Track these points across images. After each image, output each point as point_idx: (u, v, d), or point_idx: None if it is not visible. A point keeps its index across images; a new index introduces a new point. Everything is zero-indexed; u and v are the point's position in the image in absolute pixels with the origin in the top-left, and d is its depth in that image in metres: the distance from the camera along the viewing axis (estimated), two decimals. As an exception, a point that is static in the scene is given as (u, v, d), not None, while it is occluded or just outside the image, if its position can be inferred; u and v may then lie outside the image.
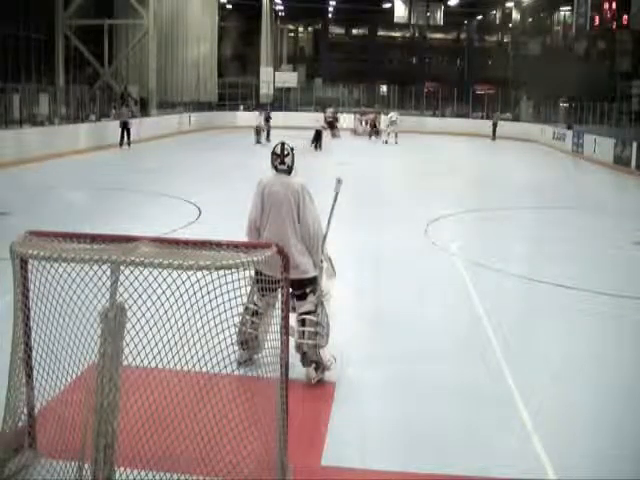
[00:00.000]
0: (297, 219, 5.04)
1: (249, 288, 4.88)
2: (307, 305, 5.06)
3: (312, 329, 5.05)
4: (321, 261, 5.20)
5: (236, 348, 4.83)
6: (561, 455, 4.16)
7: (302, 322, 5.07)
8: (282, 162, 5.17)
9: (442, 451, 4.22)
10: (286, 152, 5.18)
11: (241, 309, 4.79)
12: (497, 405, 4.87)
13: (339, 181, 5.40)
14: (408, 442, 4.34)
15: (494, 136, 34.25)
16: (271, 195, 5.07)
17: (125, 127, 23.64)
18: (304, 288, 5.02)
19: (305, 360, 5.05)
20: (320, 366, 5.07)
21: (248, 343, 5.11)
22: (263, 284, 4.03)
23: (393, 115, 30.75)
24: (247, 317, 5.10)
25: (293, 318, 4.80)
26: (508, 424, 4.59)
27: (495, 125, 34.83)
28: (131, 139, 23.83)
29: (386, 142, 29.46)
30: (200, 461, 3.44)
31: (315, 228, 5.09)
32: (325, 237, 5.24)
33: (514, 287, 8.15)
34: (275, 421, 3.49)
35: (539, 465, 4.06)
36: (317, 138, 25.87)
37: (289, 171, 5.19)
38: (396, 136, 29.54)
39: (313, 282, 5.11)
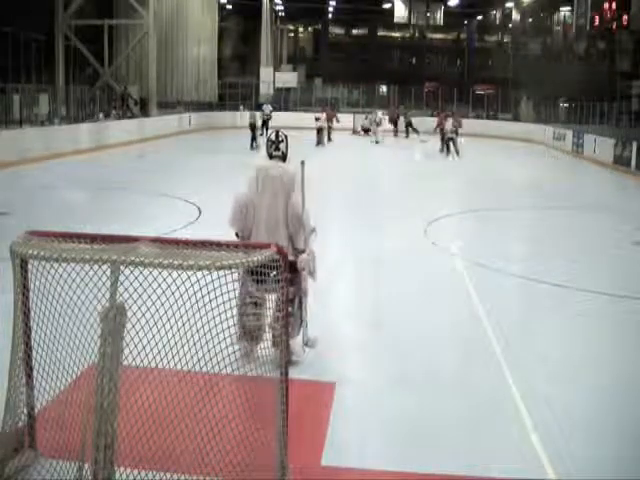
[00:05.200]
0: (288, 202, 5.25)
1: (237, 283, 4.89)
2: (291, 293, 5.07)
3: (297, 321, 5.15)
4: (303, 251, 5.27)
5: (236, 347, 4.83)
6: (561, 455, 4.16)
7: (278, 308, 5.11)
8: (277, 148, 5.45)
9: (442, 451, 4.22)
10: (280, 138, 5.48)
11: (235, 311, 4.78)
12: (497, 405, 4.87)
13: (302, 163, 5.49)
14: (408, 442, 4.34)
15: (407, 133, 32.43)
16: (268, 178, 5.30)
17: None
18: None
19: (275, 342, 5.05)
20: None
21: (252, 334, 5.14)
22: (257, 272, 4.02)
23: (378, 115, 30.49)
24: (248, 309, 5.11)
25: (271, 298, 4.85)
26: (508, 424, 4.59)
27: (410, 124, 32.89)
28: None
29: (377, 142, 29.38)
30: (200, 461, 3.43)
31: (303, 214, 5.24)
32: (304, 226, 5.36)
33: (514, 287, 8.15)
34: (275, 421, 3.49)
35: (539, 465, 4.06)
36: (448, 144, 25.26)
37: (284, 157, 5.44)
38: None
39: (294, 271, 5.13)
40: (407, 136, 32.77)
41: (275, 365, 3.60)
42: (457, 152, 24.20)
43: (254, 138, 24.99)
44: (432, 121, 27.82)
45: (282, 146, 5.46)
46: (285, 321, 3.57)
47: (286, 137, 5.52)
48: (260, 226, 5.30)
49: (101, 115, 25.69)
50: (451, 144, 24.25)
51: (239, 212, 5.32)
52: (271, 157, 5.47)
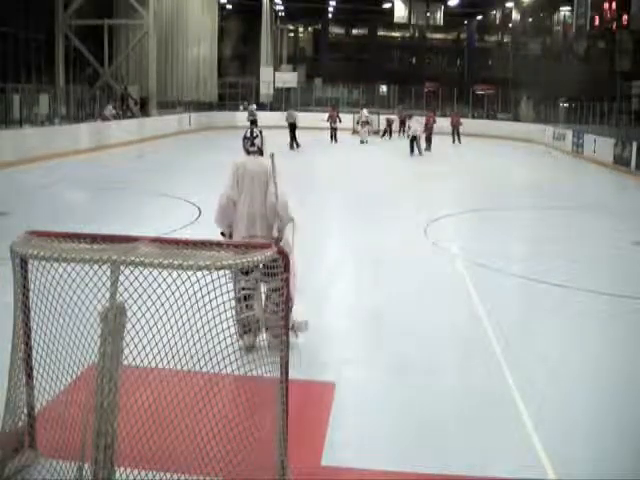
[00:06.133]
0: (266, 194, 5.50)
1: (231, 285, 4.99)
2: (274, 282, 5.15)
3: (275, 307, 5.25)
4: (279, 240, 5.43)
5: (237, 347, 4.84)
6: (561, 455, 4.16)
7: (267, 297, 5.44)
8: (252, 144, 5.71)
9: (442, 451, 4.22)
10: (255, 134, 5.76)
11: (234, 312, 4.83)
12: (497, 405, 4.87)
13: (272, 155, 5.65)
14: (408, 442, 4.34)
15: (386, 134, 32.19)
16: (247, 173, 5.56)
17: None
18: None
19: (273, 333, 5.14)
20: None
21: (250, 327, 5.28)
22: None
23: (364, 114, 30.07)
24: (242, 304, 5.27)
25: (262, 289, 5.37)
26: (508, 424, 4.59)
27: (403, 123, 32.16)
28: None
29: (363, 142, 29.12)
30: (200, 461, 3.43)
31: (275, 203, 5.44)
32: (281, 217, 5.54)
33: (514, 287, 8.15)
34: (275, 421, 3.48)
35: (539, 465, 4.06)
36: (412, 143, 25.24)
37: (260, 152, 5.70)
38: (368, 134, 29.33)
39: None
40: (382, 136, 32.50)
41: (276, 354, 3.57)
42: (419, 151, 24.88)
43: (294, 138, 25.70)
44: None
45: (257, 141, 5.73)
46: (286, 321, 3.57)
47: (260, 132, 5.83)
48: (240, 219, 5.53)
49: (110, 107, 25.84)
50: (414, 143, 24.87)
51: (222, 211, 5.58)
52: (248, 153, 5.73)
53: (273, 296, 5.33)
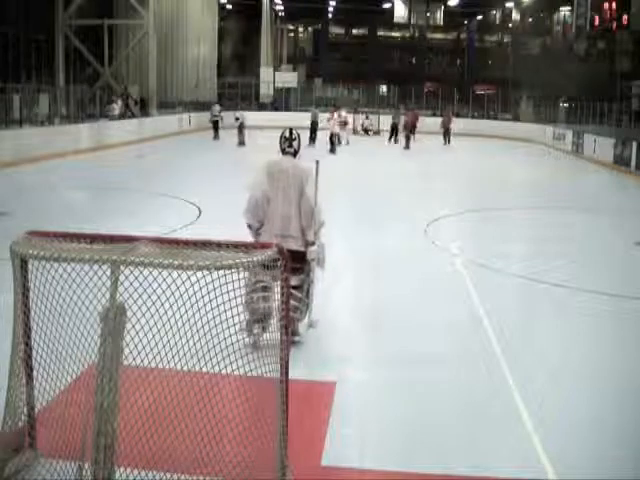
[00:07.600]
0: (300, 196, 5.51)
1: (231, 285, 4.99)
2: (294, 280, 5.20)
3: (295, 303, 5.31)
4: (313, 243, 5.53)
5: (236, 346, 4.83)
6: (561, 455, 4.16)
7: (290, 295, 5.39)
8: (290, 145, 5.74)
9: (442, 451, 4.22)
10: (294, 136, 5.77)
11: (241, 308, 4.80)
12: (497, 405, 4.87)
13: (317, 162, 5.66)
14: (408, 442, 4.34)
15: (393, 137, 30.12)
16: (281, 172, 5.57)
17: None
18: (296, 262, 5.11)
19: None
20: (294, 334, 5.43)
21: (265, 318, 5.32)
22: None
23: (343, 114, 28.93)
24: (258, 294, 5.28)
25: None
26: (508, 424, 4.59)
27: (396, 125, 30.12)
28: None
29: (348, 143, 28.11)
30: (200, 461, 3.43)
31: (313, 206, 5.51)
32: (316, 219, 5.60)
33: (514, 287, 8.15)
34: (275, 421, 3.48)
35: (539, 465, 4.06)
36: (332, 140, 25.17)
37: (294, 154, 5.74)
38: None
39: (304, 261, 5.47)
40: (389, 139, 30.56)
41: (276, 354, 3.57)
42: (334, 149, 24.89)
43: (313, 139, 26.43)
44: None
45: (295, 143, 5.77)
46: (287, 321, 3.57)
47: (299, 135, 5.85)
48: (274, 218, 5.52)
49: (114, 105, 26.09)
50: (335, 140, 25.36)
51: (254, 205, 5.55)
52: (283, 152, 5.76)
53: (294, 293, 5.30)
